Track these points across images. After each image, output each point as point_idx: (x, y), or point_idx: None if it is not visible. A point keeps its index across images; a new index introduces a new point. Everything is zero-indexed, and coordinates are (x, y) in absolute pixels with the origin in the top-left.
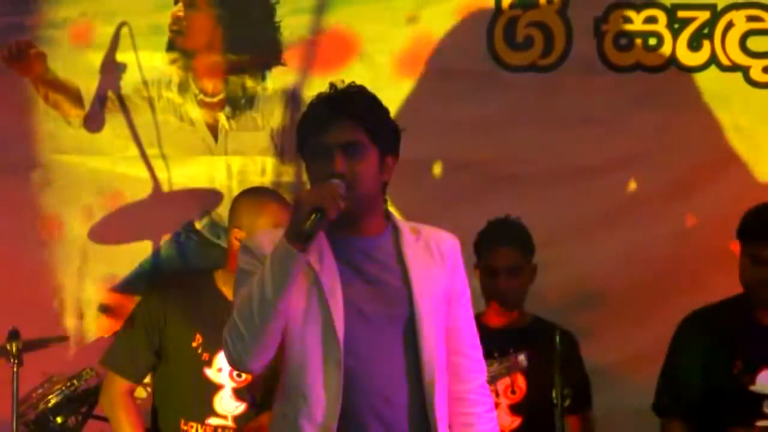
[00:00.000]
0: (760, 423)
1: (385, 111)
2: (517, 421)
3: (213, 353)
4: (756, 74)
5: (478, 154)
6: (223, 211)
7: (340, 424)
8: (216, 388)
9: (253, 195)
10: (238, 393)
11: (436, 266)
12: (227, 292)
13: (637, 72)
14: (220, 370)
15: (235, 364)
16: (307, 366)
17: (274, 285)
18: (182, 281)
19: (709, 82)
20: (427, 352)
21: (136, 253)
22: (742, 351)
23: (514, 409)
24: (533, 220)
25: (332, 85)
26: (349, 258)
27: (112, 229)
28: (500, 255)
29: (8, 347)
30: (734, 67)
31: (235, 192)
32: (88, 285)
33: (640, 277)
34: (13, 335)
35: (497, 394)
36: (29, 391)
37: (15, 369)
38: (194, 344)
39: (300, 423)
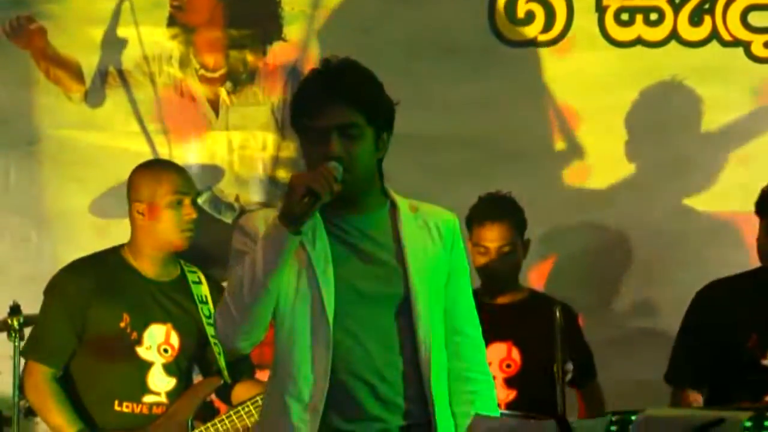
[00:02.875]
0: None
1: (380, 87)
2: (512, 395)
3: (141, 331)
4: (757, 49)
5: (479, 130)
6: (224, 186)
7: (334, 402)
8: (148, 365)
9: (148, 167)
10: (167, 368)
11: (434, 244)
12: (140, 268)
13: (638, 47)
14: (149, 347)
15: (225, 343)
16: (295, 345)
17: (265, 266)
18: (94, 262)
19: (710, 57)
20: (422, 330)
21: None
22: (759, 325)
23: (509, 382)
24: (533, 196)
25: (326, 61)
26: (344, 235)
27: (114, 203)
28: (491, 232)
29: (10, 322)
30: (735, 42)
31: (237, 167)
32: None
33: (641, 253)
34: (15, 310)
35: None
36: None
37: (16, 343)
38: (122, 324)
39: (286, 401)
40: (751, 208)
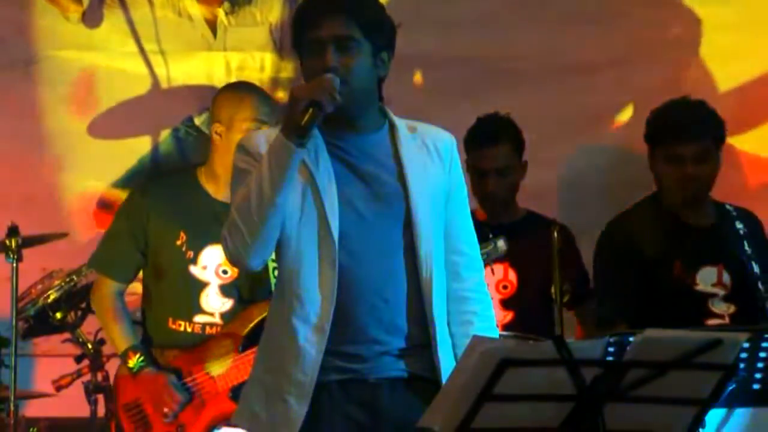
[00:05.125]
0: (710, 321)
1: (380, 6)
2: (509, 316)
3: (198, 251)
4: None
5: (476, 50)
6: None
7: (336, 323)
8: (202, 285)
9: (233, 89)
10: (224, 289)
11: (433, 163)
12: (210, 189)
13: None
14: (205, 267)
15: (234, 260)
16: (302, 266)
17: (271, 181)
18: (165, 180)
19: None
20: (423, 249)
21: (136, 148)
22: (678, 252)
23: (506, 304)
24: (530, 116)
25: None
26: (345, 156)
27: (112, 124)
28: (489, 154)
29: (8, 243)
30: None
31: None
32: (88, 180)
33: (635, 174)
34: (13, 231)
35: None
36: (29, 286)
37: (14, 265)
38: (178, 242)
39: (293, 323)
40: (748, 130)
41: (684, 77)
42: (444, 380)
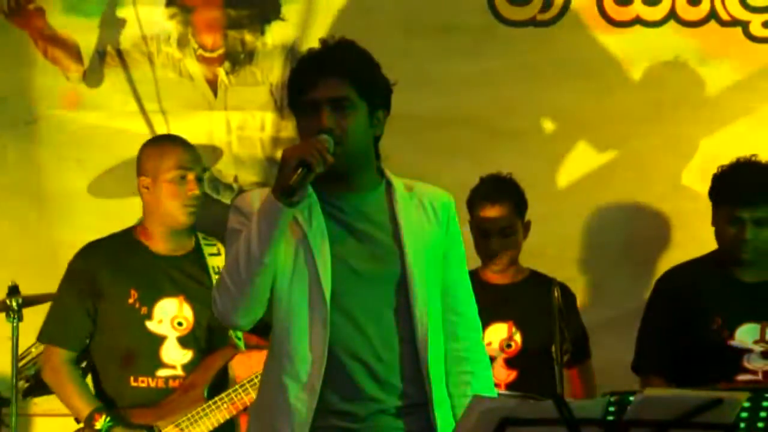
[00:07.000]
0: (741, 377)
1: (375, 66)
2: (512, 375)
3: (151, 306)
4: (756, 29)
5: (477, 109)
6: (222, 166)
7: (330, 382)
8: (160, 339)
9: (154, 142)
10: (182, 341)
11: (430, 223)
12: (149, 243)
13: (637, 27)
14: (161, 321)
15: (223, 319)
16: (293, 324)
17: (259, 240)
18: (104, 242)
19: (708, 37)
20: (419, 309)
21: (136, 208)
22: (721, 307)
23: (510, 363)
24: (532, 174)
25: (323, 41)
26: (341, 215)
27: (112, 184)
28: (492, 215)
29: (8, 302)
30: (734, 22)
31: (235, 147)
32: (88, 240)
33: (637, 232)
34: (13, 291)
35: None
36: (29, 346)
37: (15, 324)
38: (131, 301)
39: (284, 381)
40: None
41: (684, 136)
42: None
